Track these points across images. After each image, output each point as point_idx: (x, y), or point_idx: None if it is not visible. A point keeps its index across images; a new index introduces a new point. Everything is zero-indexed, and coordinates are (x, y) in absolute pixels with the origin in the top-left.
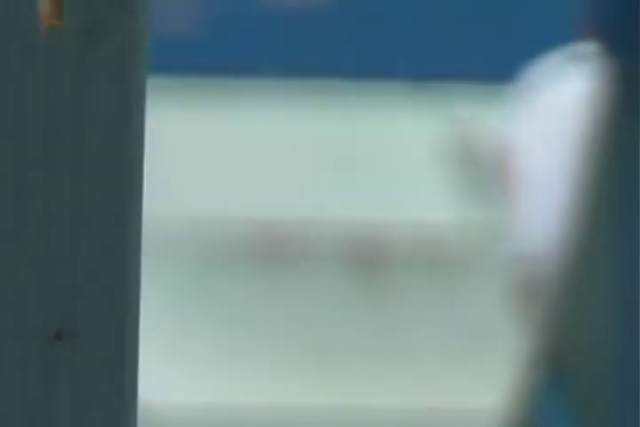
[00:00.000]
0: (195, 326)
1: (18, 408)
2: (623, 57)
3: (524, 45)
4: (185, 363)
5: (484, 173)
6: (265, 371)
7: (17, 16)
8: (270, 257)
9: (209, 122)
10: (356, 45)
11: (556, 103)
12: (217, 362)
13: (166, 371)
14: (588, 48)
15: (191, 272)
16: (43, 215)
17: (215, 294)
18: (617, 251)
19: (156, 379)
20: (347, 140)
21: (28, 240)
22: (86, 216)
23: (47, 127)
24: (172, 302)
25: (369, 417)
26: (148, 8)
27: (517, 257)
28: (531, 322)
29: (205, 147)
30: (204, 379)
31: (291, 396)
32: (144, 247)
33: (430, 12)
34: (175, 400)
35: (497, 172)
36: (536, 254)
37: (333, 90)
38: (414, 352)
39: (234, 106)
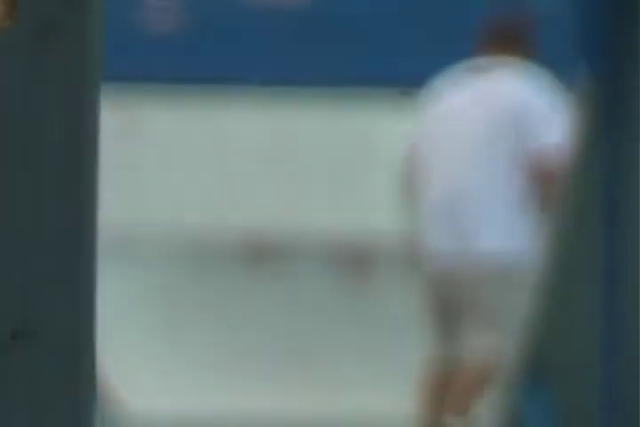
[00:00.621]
0: (185, 330)
1: None
2: (601, 72)
3: (432, 57)
4: (174, 370)
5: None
6: (251, 377)
7: None
8: (258, 263)
9: (194, 129)
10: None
11: (451, 108)
12: (204, 368)
13: (154, 380)
14: (485, 61)
15: (182, 276)
16: None
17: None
18: (600, 251)
19: (141, 388)
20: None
21: None
22: (40, 217)
23: None
24: (161, 308)
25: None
26: (101, 8)
27: (418, 251)
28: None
29: (190, 155)
30: (191, 387)
31: (277, 398)
32: (133, 252)
33: (341, 22)
34: (160, 409)
35: (404, 172)
36: (429, 249)
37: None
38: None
39: (221, 115)
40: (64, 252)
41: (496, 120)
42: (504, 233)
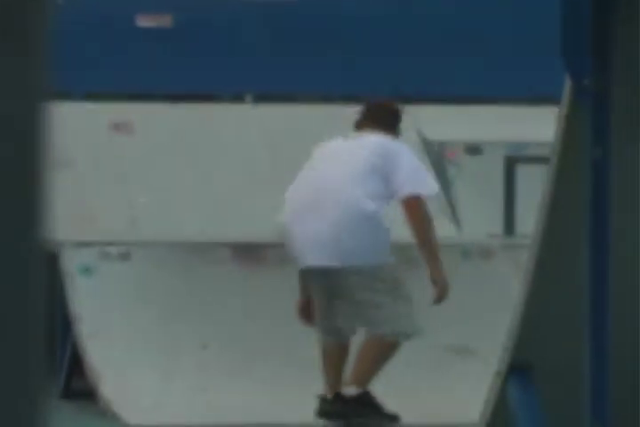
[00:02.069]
0: (182, 342)
1: None
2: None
3: None
4: (171, 381)
5: None
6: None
7: None
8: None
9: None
10: None
11: (328, 148)
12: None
13: (153, 393)
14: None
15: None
16: None
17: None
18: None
19: (137, 401)
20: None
21: None
22: None
23: None
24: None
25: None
26: (51, 9)
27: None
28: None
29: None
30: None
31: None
32: (134, 269)
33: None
34: (157, 422)
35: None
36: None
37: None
38: None
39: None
40: (9, 260)
41: (364, 157)
42: (362, 250)
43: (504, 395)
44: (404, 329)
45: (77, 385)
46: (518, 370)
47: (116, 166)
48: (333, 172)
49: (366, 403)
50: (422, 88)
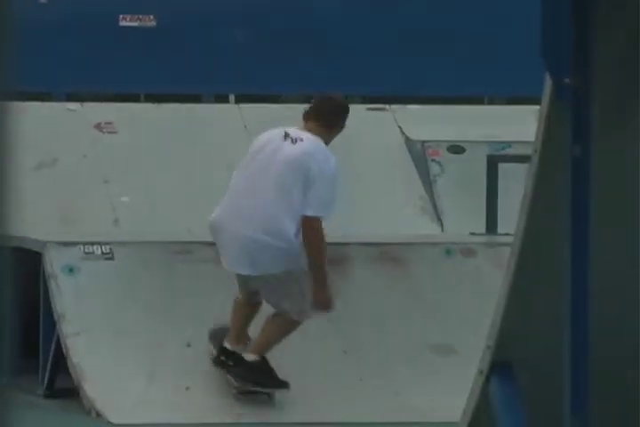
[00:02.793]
0: (169, 339)
1: None
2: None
3: None
4: (155, 381)
5: None
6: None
7: None
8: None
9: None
10: None
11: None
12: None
13: (136, 392)
14: (293, 131)
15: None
16: None
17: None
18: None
19: (122, 400)
20: None
21: None
22: None
23: None
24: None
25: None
26: (12, 9)
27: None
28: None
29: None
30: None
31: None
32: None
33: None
34: (141, 421)
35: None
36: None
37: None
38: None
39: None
40: None
41: (292, 171)
42: (274, 262)
43: (486, 393)
44: (307, 310)
45: (61, 384)
46: (500, 368)
47: (100, 166)
48: (261, 182)
49: (263, 369)
50: (404, 88)
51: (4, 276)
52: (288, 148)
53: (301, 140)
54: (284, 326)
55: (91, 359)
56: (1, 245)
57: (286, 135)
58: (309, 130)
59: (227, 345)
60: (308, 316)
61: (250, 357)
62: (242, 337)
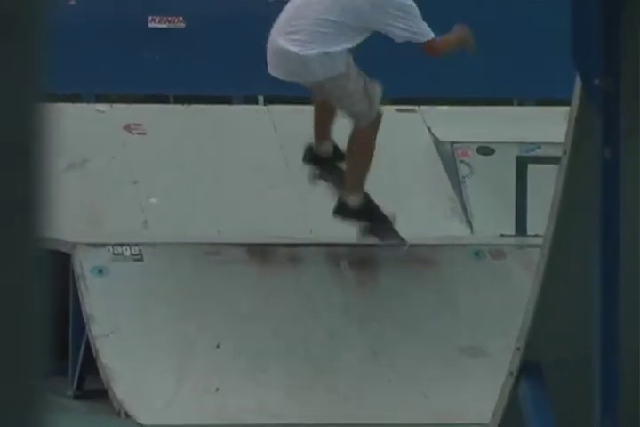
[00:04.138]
0: (196, 342)
1: None
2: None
3: None
4: (183, 382)
5: None
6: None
7: None
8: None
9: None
10: None
11: None
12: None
13: (166, 393)
14: None
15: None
16: None
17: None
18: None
19: (150, 401)
20: None
21: None
22: None
23: None
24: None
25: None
26: (51, 10)
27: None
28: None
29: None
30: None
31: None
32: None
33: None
34: (170, 422)
35: None
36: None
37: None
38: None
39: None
40: None
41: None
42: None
43: (516, 395)
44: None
45: (91, 385)
46: (530, 370)
47: (129, 168)
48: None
49: (371, 208)
50: (434, 89)
51: (44, 278)
52: None
53: None
54: (363, 144)
55: (120, 360)
56: (40, 247)
57: None
58: None
59: (311, 145)
60: (380, 112)
61: (353, 201)
62: (326, 135)
